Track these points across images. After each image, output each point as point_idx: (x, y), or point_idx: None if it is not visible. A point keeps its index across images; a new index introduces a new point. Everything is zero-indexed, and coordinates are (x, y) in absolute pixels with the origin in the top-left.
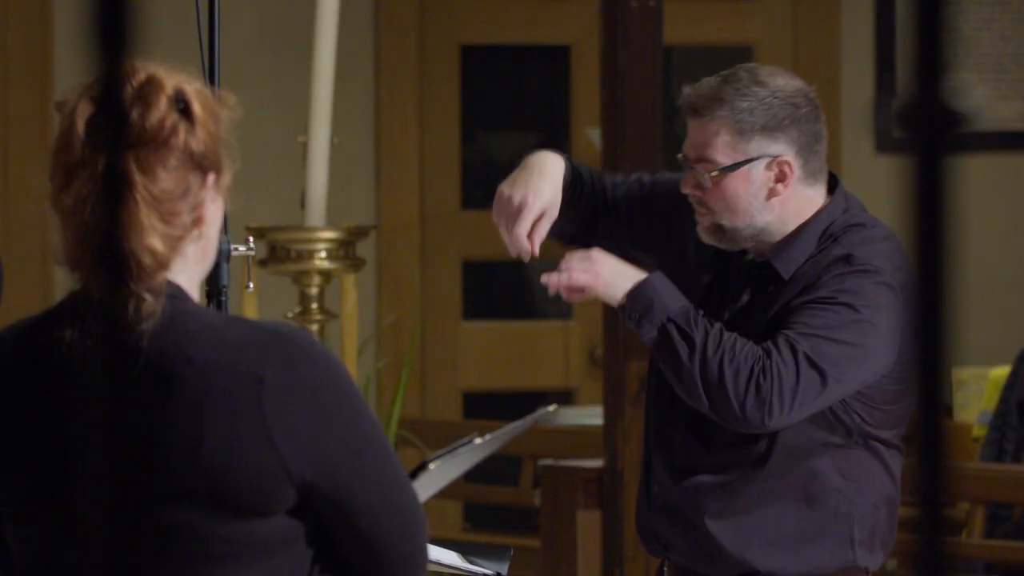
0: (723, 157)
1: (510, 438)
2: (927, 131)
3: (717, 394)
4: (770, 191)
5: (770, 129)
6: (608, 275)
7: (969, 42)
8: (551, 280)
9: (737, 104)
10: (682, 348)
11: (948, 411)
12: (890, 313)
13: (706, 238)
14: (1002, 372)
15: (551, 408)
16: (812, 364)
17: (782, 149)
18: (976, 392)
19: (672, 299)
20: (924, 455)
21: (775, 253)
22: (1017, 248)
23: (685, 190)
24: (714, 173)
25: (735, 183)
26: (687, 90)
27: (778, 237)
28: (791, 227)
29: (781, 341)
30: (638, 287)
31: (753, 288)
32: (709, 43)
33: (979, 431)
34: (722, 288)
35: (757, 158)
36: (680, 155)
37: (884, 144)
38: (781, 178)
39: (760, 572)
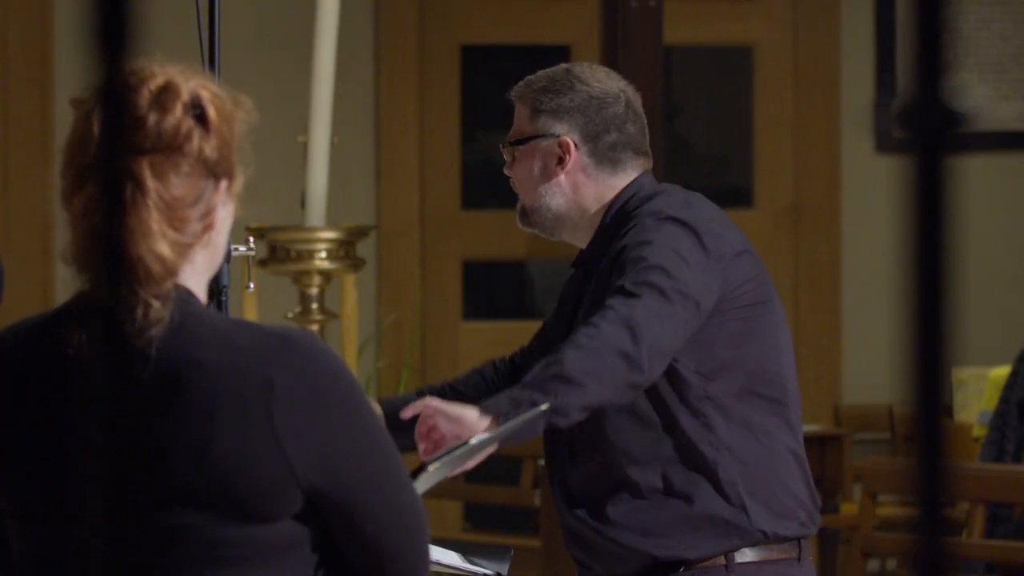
0: (517, 135)
1: (504, 437)
2: (927, 131)
3: (609, 370)
4: (551, 171)
5: (554, 111)
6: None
7: (969, 42)
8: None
9: (537, 85)
10: (563, 395)
11: (948, 411)
12: (689, 242)
13: (519, 223)
14: (1002, 372)
15: (543, 407)
16: (643, 284)
17: (565, 130)
18: (976, 392)
19: (506, 397)
20: (924, 455)
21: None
22: (1017, 248)
23: (505, 171)
24: (509, 149)
25: (524, 159)
26: None
27: (583, 226)
28: (593, 214)
29: (608, 296)
30: (485, 410)
31: (583, 283)
32: (709, 43)
33: (979, 431)
34: (574, 299)
35: (541, 136)
36: None
37: (884, 144)
38: (561, 159)
39: (657, 558)
